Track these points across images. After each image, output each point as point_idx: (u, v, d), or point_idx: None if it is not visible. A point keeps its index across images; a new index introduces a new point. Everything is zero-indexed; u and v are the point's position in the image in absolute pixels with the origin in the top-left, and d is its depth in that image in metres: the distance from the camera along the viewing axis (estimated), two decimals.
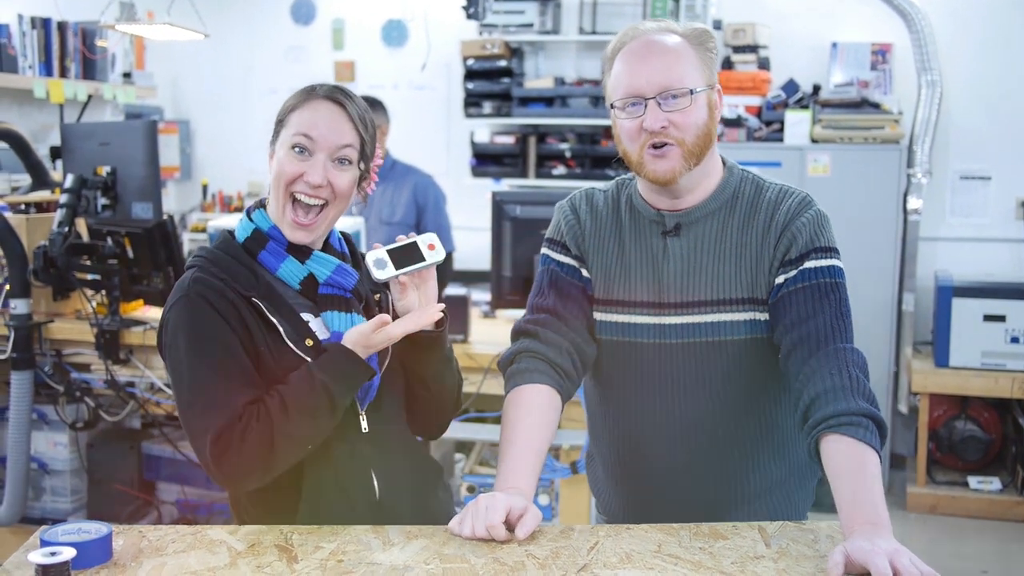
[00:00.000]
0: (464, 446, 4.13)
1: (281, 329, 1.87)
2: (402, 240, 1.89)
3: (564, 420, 3.48)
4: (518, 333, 2.07)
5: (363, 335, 1.84)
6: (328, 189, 1.89)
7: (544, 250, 2.12)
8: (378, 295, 2.03)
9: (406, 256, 1.86)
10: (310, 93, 1.91)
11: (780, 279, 1.93)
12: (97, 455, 4.05)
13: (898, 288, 5.45)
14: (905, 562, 1.50)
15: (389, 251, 1.86)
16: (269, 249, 1.94)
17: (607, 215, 2.06)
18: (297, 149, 1.88)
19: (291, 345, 1.86)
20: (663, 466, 2.07)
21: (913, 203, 5.43)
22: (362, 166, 1.93)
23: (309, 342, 1.87)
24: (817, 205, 1.98)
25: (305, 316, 1.93)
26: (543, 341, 2.01)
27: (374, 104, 4.67)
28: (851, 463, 1.70)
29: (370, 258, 1.84)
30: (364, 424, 1.94)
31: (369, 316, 1.94)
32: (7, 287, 3.74)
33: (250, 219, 1.97)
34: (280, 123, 1.93)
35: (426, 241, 1.87)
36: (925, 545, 4.77)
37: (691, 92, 1.88)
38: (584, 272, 2.06)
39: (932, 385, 5.14)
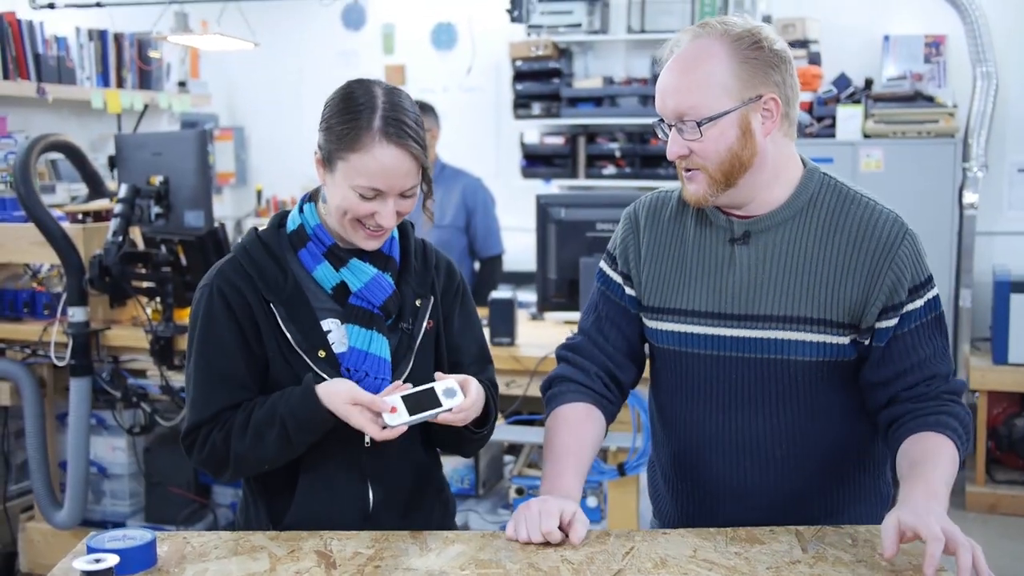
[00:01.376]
0: (513, 448, 4.14)
1: (291, 338, 1.90)
2: (418, 388, 1.85)
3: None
4: (557, 358, 2.10)
5: (340, 397, 1.81)
6: (398, 217, 1.88)
7: (601, 263, 2.09)
8: (409, 322, 1.98)
9: (422, 401, 1.82)
10: (368, 125, 1.80)
11: (884, 324, 1.84)
12: (154, 459, 4.13)
13: (955, 284, 5.36)
14: (958, 532, 1.51)
15: (404, 397, 1.81)
16: (308, 249, 1.95)
17: (671, 219, 1.98)
18: (365, 196, 1.83)
19: (302, 354, 1.89)
20: (717, 481, 1.99)
21: (969, 197, 5.34)
22: (424, 188, 1.90)
23: (322, 353, 1.89)
24: (909, 226, 1.87)
25: (329, 323, 1.93)
26: (573, 365, 2.04)
27: (424, 108, 4.70)
28: (925, 452, 1.71)
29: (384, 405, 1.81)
30: (367, 438, 1.92)
31: (392, 332, 1.95)
32: (65, 295, 3.83)
33: (301, 212, 1.98)
34: (334, 149, 1.83)
35: (443, 386, 1.83)
36: (983, 545, 4.65)
37: (698, 125, 1.78)
38: (628, 290, 2.01)
39: (991, 382, 5.06)
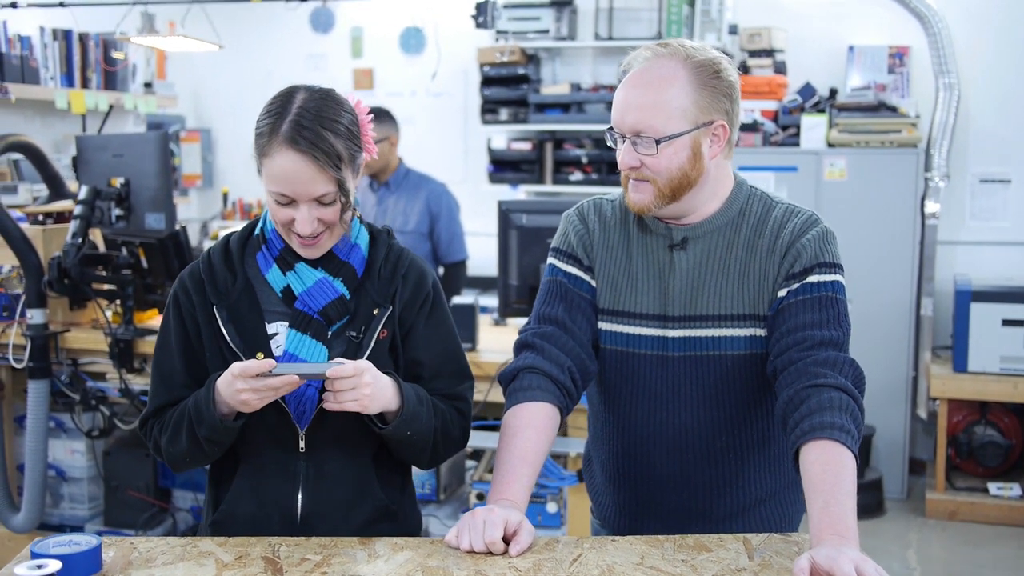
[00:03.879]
0: (475, 453, 4.14)
1: (230, 340, 1.92)
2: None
3: (571, 428, 3.49)
4: (522, 346, 2.06)
5: (231, 373, 1.81)
6: (320, 225, 1.89)
7: (551, 260, 2.12)
8: (359, 331, 1.96)
9: (309, 368, 1.82)
10: (274, 130, 1.84)
11: (782, 292, 1.94)
12: (113, 462, 4.10)
13: (916, 293, 5.41)
14: (870, 570, 1.51)
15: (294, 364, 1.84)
16: (263, 252, 1.99)
17: (615, 225, 2.07)
18: (279, 202, 1.87)
19: (240, 355, 1.90)
20: (660, 474, 2.09)
21: (931, 207, 5.40)
22: (343, 199, 1.88)
23: (260, 355, 1.89)
24: (823, 223, 1.98)
25: (278, 327, 1.95)
26: (546, 357, 2.01)
27: (380, 114, 4.68)
28: (827, 475, 1.71)
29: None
30: (302, 444, 1.94)
31: (337, 338, 1.95)
32: (24, 297, 3.80)
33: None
34: (256, 155, 1.88)
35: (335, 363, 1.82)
36: (943, 552, 4.74)
37: (656, 143, 1.87)
38: (592, 282, 2.06)
39: (951, 390, 5.11)
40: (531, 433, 1.94)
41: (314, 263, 1.95)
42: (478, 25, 4.06)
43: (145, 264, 3.79)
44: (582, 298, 2.06)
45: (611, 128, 1.96)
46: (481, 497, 3.60)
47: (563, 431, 3.47)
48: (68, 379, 3.89)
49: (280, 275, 1.96)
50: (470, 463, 4.11)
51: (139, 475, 4.06)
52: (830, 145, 5.44)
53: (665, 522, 2.08)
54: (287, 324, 1.95)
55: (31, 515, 3.85)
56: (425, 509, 3.74)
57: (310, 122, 1.83)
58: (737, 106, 1.96)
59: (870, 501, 5.19)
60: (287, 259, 1.96)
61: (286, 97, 1.88)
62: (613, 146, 1.97)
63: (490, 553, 1.73)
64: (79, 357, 3.92)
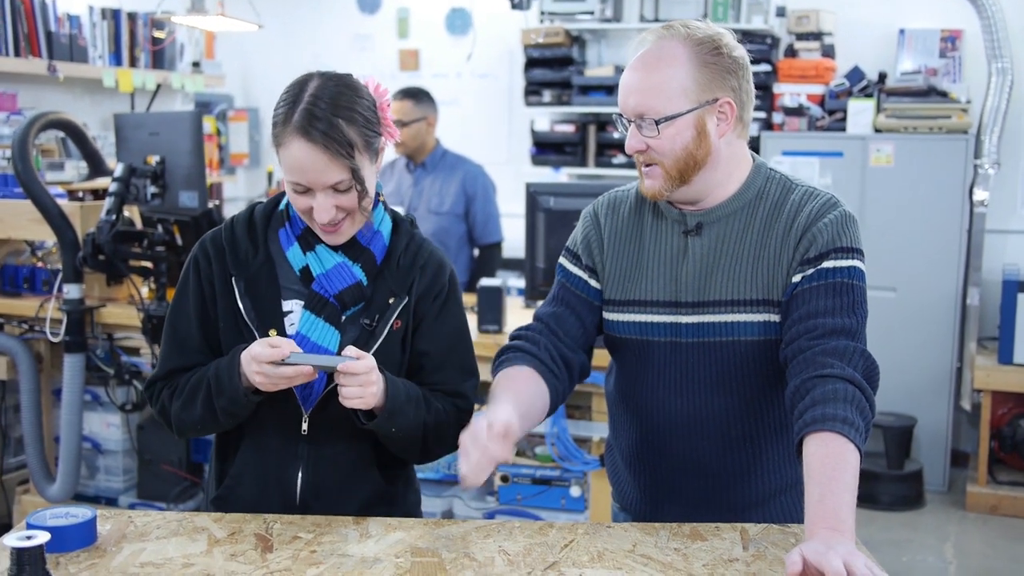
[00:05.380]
0: None
1: (244, 313, 1.92)
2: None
3: (595, 413, 3.47)
4: (510, 338, 2.08)
5: (249, 353, 1.82)
6: (338, 212, 1.89)
7: (560, 259, 2.14)
8: (374, 319, 1.96)
9: (322, 360, 1.82)
10: (287, 119, 1.83)
11: (797, 277, 1.89)
12: (147, 436, 4.15)
13: (963, 282, 5.30)
14: (860, 565, 1.48)
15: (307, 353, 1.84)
16: (286, 228, 1.99)
17: (629, 216, 2.06)
18: (296, 190, 1.86)
19: (253, 329, 1.91)
20: (678, 461, 2.07)
21: (980, 195, 5.26)
22: (359, 186, 1.87)
23: (273, 332, 1.91)
24: (843, 207, 1.94)
25: (293, 304, 1.96)
26: (528, 341, 2.03)
27: (418, 95, 4.69)
28: (826, 467, 1.67)
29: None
30: (304, 426, 1.95)
31: (351, 324, 1.96)
32: (61, 272, 3.86)
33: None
34: (274, 142, 1.88)
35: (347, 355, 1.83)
36: (982, 546, 4.65)
37: (656, 124, 1.85)
38: (593, 283, 2.06)
39: (995, 382, 5.00)
40: (509, 382, 1.93)
41: (335, 247, 1.96)
42: (514, 6, 4.04)
43: (179, 241, 3.83)
44: (578, 298, 2.07)
45: (619, 114, 1.94)
46: (505, 479, 3.61)
47: (587, 415, 3.45)
48: (104, 353, 3.95)
49: (300, 254, 1.96)
50: None
51: (172, 450, 4.11)
52: (877, 130, 5.34)
53: (685, 509, 2.06)
54: (302, 303, 1.95)
55: (66, 485, 3.92)
56: (450, 490, 3.75)
57: (322, 111, 1.82)
58: (746, 83, 1.92)
59: (910, 493, 5.11)
60: (308, 239, 1.96)
61: (300, 85, 1.87)
62: (622, 131, 1.95)
63: (488, 535, 1.72)
64: (114, 332, 3.98)
